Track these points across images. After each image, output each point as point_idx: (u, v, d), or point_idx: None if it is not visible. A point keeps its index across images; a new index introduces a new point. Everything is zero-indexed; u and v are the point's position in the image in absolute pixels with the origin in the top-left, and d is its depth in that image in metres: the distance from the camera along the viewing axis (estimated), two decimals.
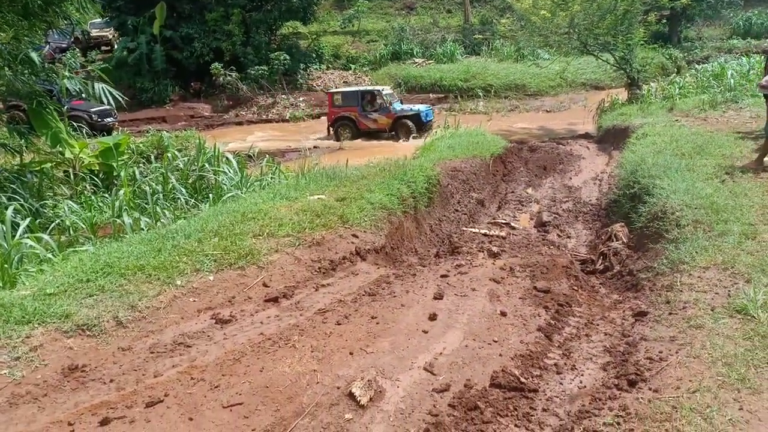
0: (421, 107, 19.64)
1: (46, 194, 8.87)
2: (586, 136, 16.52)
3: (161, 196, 8.69)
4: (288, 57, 26.30)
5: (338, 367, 3.85)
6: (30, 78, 9.46)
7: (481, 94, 25.75)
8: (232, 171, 9.87)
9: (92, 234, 7.08)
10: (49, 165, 9.75)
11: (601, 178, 10.93)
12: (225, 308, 4.71)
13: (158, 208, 8.00)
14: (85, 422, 3.27)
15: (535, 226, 8.39)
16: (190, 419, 3.33)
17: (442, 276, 5.63)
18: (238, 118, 25.10)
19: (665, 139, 10.01)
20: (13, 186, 8.30)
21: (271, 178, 10.02)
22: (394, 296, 5.09)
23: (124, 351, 3.99)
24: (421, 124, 18.83)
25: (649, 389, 3.39)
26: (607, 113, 16.68)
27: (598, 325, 4.78)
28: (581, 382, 3.84)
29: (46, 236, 6.42)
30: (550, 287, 5.36)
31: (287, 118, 24.75)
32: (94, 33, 30.13)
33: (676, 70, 25.49)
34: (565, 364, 4.08)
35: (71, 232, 7.25)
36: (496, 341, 4.31)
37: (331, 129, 19.98)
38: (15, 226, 6.53)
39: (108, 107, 16.49)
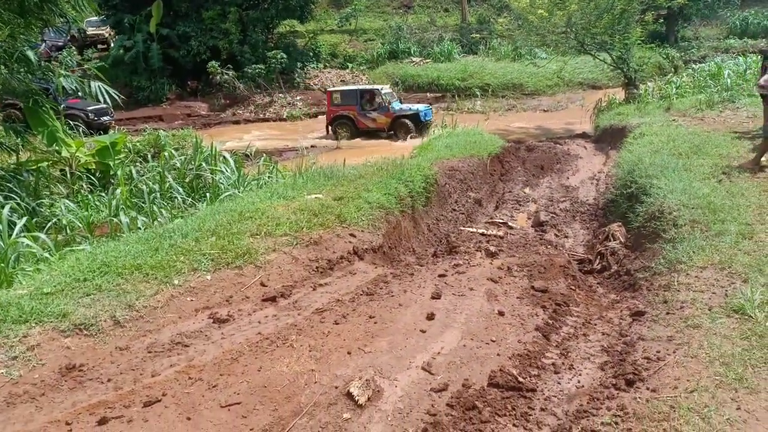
0: (420, 107, 19.62)
1: (43, 193, 8.85)
2: (583, 135, 16.54)
3: (158, 195, 8.68)
4: (285, 56, 26.25)
5: (336, 367, 3.85)
6: (26, 76, 9.42)
7: (478, 93, 25.76)
8: (229, 170, 9.87)
9: (89, 233, 7.07)
10: (45, 164, 9.72)
11: (598, 177, 10.95)
12: (222, 308, 4.70)
13: (155, 207, 7.99)
14: (83, 422, 3.26)
15: (532, 226, 8.40)
16: (188, 419, 3.32)
17: (439, 275, 5.63)
18: (235, 117, 25.05)
19: (662, 138, 10.03)
20: (10, 185, 8.27)
21: (269, 177, 10.02)
22: (392, 296, 5.08)
23: (122, 350, 3.98)
24: (419, 124, 18.81)
25: (647, 389, 3.39)
26: (604, 113, 16.70)
27: (595, 324, 4.79)
28: (579, 381, 3.85)
29: (42, 235, 6.41)
30: (548, 287, 5.37)
31: (284, 117, 24.72)
32: (91, 31, 30.01)
33: (673, 69, 25.54)
34: (563, 363, 4.09)
35: (68, 231, 7.23)
36: (494, 341, 4.32)
37: (329, 128, 19.95)
38: (12, 225, 6.52)
39: (104, 106, 16.52)
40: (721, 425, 2.92)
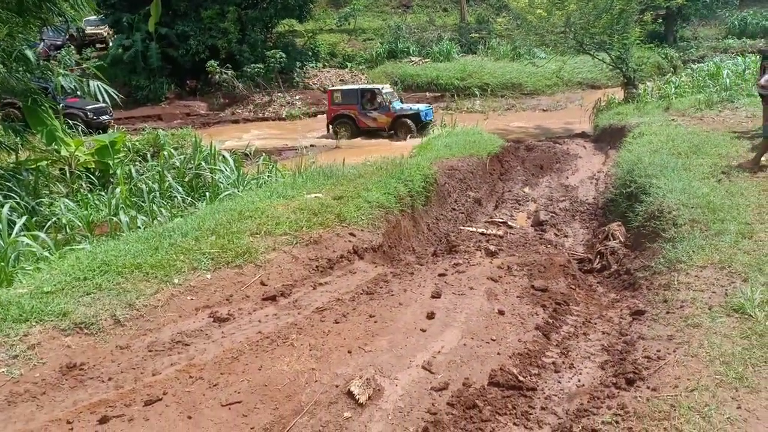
0: (421, 106, 19.61)
1: (42, 192, 8.83)
2: (582, 135, 16.56)
3: (158, 194, 8.68)
4: (284, 55, 26.25)
5: (337, 366, 3.85)
6: (25, 75, 9.40)
7: (477, 92, 25.77)
8: (228, 169, 9.87)
9: (89, 232, 7.07)
10: (44, 163, 9.71)
11: (597, 177, 10.96)
12: (223, 307, 4.70)
13: (155, 207, 7.99)
14: (84, 421, 3.26)
15: (532, 225, 8.41)
16: (189, 418, 3.32)
17: (439, 275, 5.63)
18: (234, 116, 25.04)
19: (661, 138, 10.05)
20: (9, 184, 8.25)
21: (268, 176, 10.02)
22: (392, 295, 5.09)
23: (123, 349, 3.97)
24: (420, 124, 18.80)
25: (648, 388, 3.40)
26: (603, 112, 16.72)
27: (595, 323, 4.79)
28: (579, 380, 3.85)
29: (42, 234, 6.40)
30: (548, 286, 5.37)
31: (284, 116, 24.72)
32: (89, 30, 29.95)
33: (672, 69, 25.56)
34: (563, 362, 4.09)
35: (68, 230, 7.23)
36: (494, 340, 4.32)
37: (330, 127, 19.95)
38: (11, 224, 6.51)
39: (103, 105, 16.47)
40: (722, 424, 2.93)
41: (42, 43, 22.11)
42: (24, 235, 6.13)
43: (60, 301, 4.25)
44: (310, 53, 29.82)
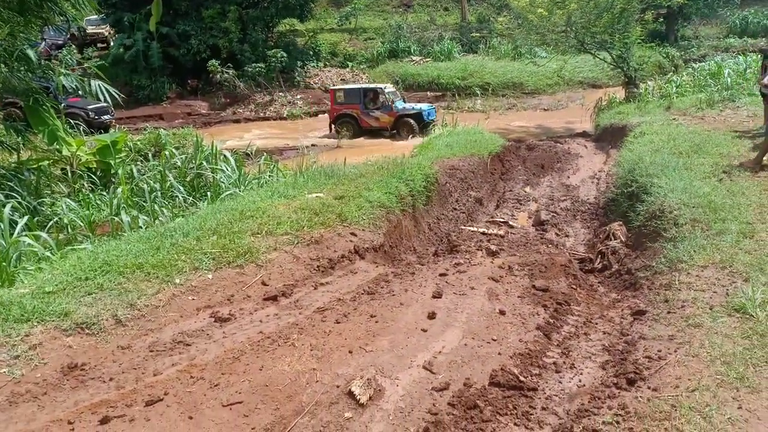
0: (423, 106, 19.61)
1: (44, 192, 8.85)
2: (583, 134, 16.54)
3: (159, 194, 8.69)
4: (285, 54, 26.23)
5: (338, 366, 3.86)
6: (26, 75, 9.42)
7: (478, 92, 25.74)
8: (229, 169, 9.87)
9: (90, 232, 7.07)
10: (46, 162, 9.72)
11: (598, 176, 10.95)
12: (224, 307, 4.71)
13: (156, 206, 8.00)
14: (85, 421, 3.27)
15: (533, 225, 8.40)
16: (190, 418, 3.33)
17: (440, 275, 5.63)
18: (235, 115, 25.02)
19: (663, 137, 10.04)
20: (11, 184, 8.27)
21: (269, 176, 10.02)
22: (393, 295, 5.09)
23: (124, 349, 3.98)
24: (422, 123, 18.78)
25: (648, 388, 3.40)
26: (604, 112, 16.70)
27: (596, 323, 4.79)
28: (580, 380, 3.85)
29: (44, 234, 6.41)
30: (549, 286, 5.37)
31: (285, 115, 24.70)
32: (91, 30, 29.97)
33: (673, 68, 25.53)
34: (564, 362, 4.09)
35: (69, 230, 7.24)
36: (495, 340, 4.32)
37: (333, 126, 19.95)
38: (13, 224, 6.52)
39: (105, 104, 16.46)
40: (723, 424, 2.93)
41: (43, 43, 22.13)
42: (26, 235, 6.14)
43: (61, 301, 4.25)
44: (311, 53, 29.81)
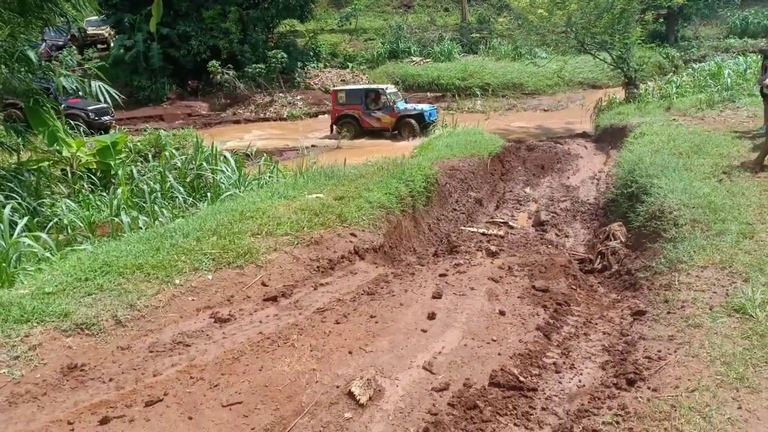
0: (425, 106, 19.61)
1: (44, 193, 8.85)
2: (583, 135, 16.54)
3: (159, 194, 8.69)
4: (285, 55, 26.23)
5: (337, 366, 3.86)
6: (27, 76, 9.43)
7: (478, 92, 25.73)
8: (230, 170, 9.87)
9: (90, 233, 7.08)
10: (46, 163, 9.73)
11: (598, 177, 10.95)
12: (224, 307, 4.71)
13: (156, 207, 8.00)
14: (85, 421, 3.27)
15: (533, 226, 8.40)
16: (190, 418, 3.33)
17: (440, 275, 5.63)
18: (235, 116, 25.02)
19: (663, 138, 10.04)
20: (11, 184, 8.28)
21: (269, 176, 10.02)
22: (393, 295, 5.09)
23: (124, 350, 3.98)
24: (423, 124, 18.78)
25: (648, 388, 3.40)
26: (604, 112, 16.70)
27: (596, 324, 4.79)
28: (580, 381, 3.85)
29: (44, 235, 6.42)
30: (549, 286, 5.37)
31: (285, 116, 24.70)
32: (91, 31, 29.97)
33: (673, 69, 25.53)
34: (564, 363, 4.09)
35: (69, 230, 7.24)
36: (494, 340, 4.32)
37: (334, 127, 19.96)
38: (13, 224, 6.52)
39: (105, 105, 16.48)
40: (723, 424, 2.93)
41: (44, 44, 22.15)
42: (25, 236, 6.14)
43: (61, 301, 4.26)
44: (311, 53, 29.82)
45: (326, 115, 21.98)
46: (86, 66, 17.63)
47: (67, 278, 4.62)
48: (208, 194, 8.88)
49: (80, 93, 10.80)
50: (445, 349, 4.14)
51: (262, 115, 25.06)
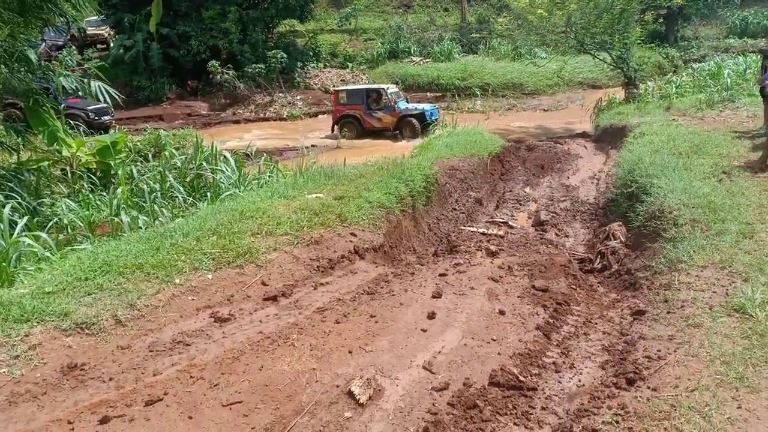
0: (426, 106, 19.61)
1: (44, 192, 8.85)
2: (583, 135, 16.54)
3: (159, 194, 8.69)
4: (285, 55, 26.23)
5: (337, 366, 3.86)
6: (26, 76, 9.42)
7: (478, 92, 25.75)
8: (229, 169, 9.87)
9: (90, 232, 7.07)
10: (46, 163, 9.72)
11: (598, 177, 10.96)
12: (224, 307, 4.71)
13: (156, 207, 8.00)
14: (85, 421, 3.27)
15: (533, 225, 8.40)
16: (190, 418, 3.33)
17: (440, 275, 5.63)
18: (235, 116, 25.03)
19: (662, 138, 10.04)
20: (11, 184, 8.27)
21: (269, 176, 10.02)
22: (393, 295, 5.09)
23: (124, 349, 3.98)
24: (425, 123, 18.78)
25: (648, 388, 3.40)
26: (604, 112, 16.71)
27: (596, 323, 4.79)
28: (580, 380, 3.86)
29: (44, 235, 6.41)
30: (549, 286, 5.37)
31: (285, 116, 24.71)
32: (91, 31, 29.99)
33: (673, 69, 25.54)
34: (564, 362, 4.09)
35: (69, 230, 7.24)
36: (494, 340, 4.32)
37: (335, 127, 19.97)
38: (13, 224, 6.52)
39: (105, 105, 16.50)
40: (722, 424, 2.93)
41: (43, 44, 22.15)
42: (25, 236, 6.14)
43: (61, 301, 4.26)
44: (311, 53, 29.82)
45: (326, 115, 21.97)
46: (86, 66, 17.67)
47: (67, 278, 4.62)
48: (208, 194, 8.88)
49: (80, 93, 10.80)
50: (444, 349, 4.14)
51: (261, 115, 25.07)
